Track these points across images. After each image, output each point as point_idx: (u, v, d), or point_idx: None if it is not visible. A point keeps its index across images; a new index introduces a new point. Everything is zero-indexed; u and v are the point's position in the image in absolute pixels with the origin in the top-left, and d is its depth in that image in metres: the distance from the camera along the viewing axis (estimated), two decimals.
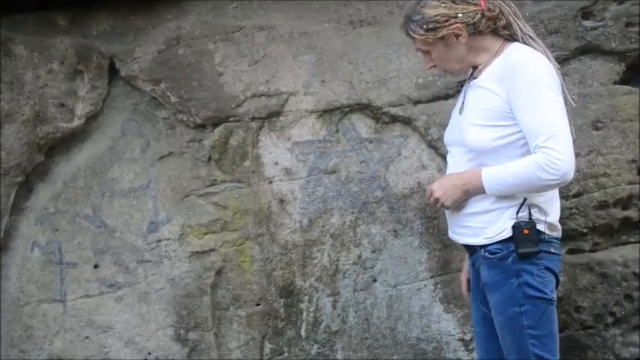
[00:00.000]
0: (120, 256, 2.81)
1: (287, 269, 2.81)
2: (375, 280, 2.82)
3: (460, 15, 2.04)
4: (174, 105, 2.83)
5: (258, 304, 2.80)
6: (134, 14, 2.93)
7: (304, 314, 2.81)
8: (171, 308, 2.79)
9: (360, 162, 2.83)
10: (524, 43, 2.09)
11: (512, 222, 2.02)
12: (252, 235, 2.81)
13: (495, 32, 2.10)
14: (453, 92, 2.78)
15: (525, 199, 2.01)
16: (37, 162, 2.83)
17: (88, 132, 2.90)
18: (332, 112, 2.84)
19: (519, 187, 2.00)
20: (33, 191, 2.86)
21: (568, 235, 2.70)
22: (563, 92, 2.03)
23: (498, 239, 2.04)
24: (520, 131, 2.00)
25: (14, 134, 2.77)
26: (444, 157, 2.55)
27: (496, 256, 2.04)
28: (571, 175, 1.95)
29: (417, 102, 2.83)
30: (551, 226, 2.06)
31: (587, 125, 2.76)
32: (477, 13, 2.05)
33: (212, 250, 2.80)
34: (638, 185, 2.74)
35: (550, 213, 2.06)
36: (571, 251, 2.76)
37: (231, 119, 2.83)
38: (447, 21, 2.03)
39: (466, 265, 2.35)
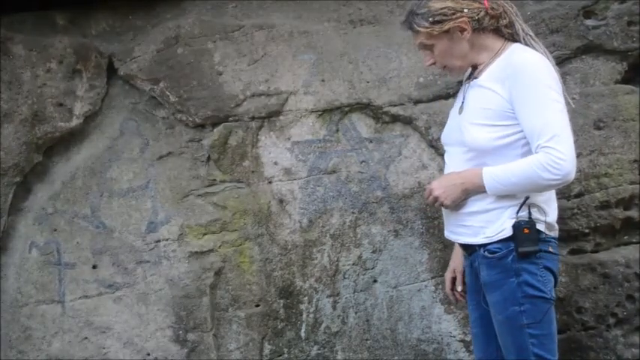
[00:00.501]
0: (119, 257, 2.80)
1: (287, 270, 2.80)
2: (375, 281, 2.81)
3: (466, 10, 2.06)
4: (174, 104, 2.83)
5: (257, 305, 2.80)
6: (133, 14, 2.93)
7: (304, 315, 2.80)
8: (170, 309, 2.79)
9: (361, 162, 2.82)
10: (526, 43, 2.11)
11: (512, 221, 2.03)
12: (251, 236, 2.80)
13: (497, 31, 2.13)
14: (453, 92, 2.77)
15: (527, 199, 2.02)
16: (36, 162, 2.83)
17: (87, 132, 2.89)
18: (332, 112, 2.84)
19: (520, 187, 2.01)
20: (31, 191, 2.85)
21: (569, 236, 2.70)
22: (563, 93, 2.05)
23: (498, 238, 2.05)
24: (521, 131, 2.02)
25: (12, 134, 2.76)
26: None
27: (496, 255, 2.05)
28: (573, 175, 1.97)
29: (417, 101, 2.82)
30: (549, 226, 2.07)
31: (588, 125, 2.75)
32: (481, 10, 2.07)
33: (211, 250, 2.79)
34: (639, 185, 2.73)
35: (549, 213, 2.08)
36: (573, 252, 2.75)
37: (230, 119, 2.82)
38: (453, 14, 2.06)
39: (452, 263, 2.39)
